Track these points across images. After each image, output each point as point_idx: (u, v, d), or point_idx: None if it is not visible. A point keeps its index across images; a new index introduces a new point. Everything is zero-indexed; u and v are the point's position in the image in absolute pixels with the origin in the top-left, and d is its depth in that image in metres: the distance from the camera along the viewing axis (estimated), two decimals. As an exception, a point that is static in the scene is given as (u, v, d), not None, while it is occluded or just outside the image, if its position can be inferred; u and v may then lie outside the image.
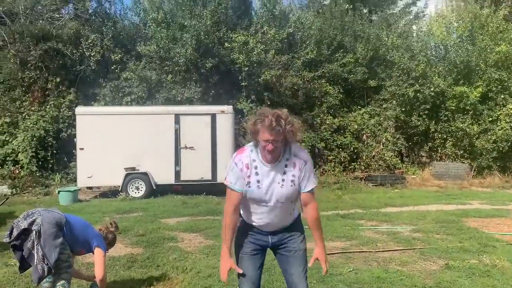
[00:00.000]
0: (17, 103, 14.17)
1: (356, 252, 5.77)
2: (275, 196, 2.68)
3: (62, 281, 3.59)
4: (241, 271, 2.77)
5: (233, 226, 2.77)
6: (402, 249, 5.94)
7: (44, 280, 3.66)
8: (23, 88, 14.28)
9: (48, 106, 13.88)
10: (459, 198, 11.18)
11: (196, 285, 4.36)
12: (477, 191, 13.11)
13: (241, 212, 2.85)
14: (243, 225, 2.84)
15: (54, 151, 13.58)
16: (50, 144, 13.48)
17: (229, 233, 2.77)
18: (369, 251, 5.80)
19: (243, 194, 2.70)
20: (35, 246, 3.45)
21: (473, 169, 15.76)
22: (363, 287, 4.36)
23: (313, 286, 4.36)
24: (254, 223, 2.80)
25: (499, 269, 4.93)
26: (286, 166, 2.68)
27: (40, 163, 13.31)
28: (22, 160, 13.09)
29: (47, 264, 3.43)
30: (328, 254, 5.52)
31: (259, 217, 2.77)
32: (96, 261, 3.87)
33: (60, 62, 14.26)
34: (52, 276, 3.63)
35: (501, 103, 16.24)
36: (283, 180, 2.67)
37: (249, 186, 2.67)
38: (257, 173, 2.67)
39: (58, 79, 14.19)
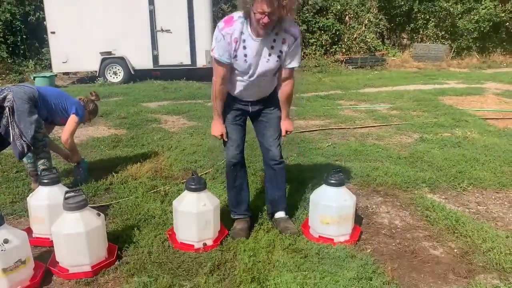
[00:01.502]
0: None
1: (335, 128, 5.96)
2: (260, 69, 2.65)
3: (42, 160, 3.60)
4: (226, 139, 2.89)
5: (222, 97, 2.78)
6: (379, 125, 6.15)
7: (26, 162, 3.72)
8: (-21, -34, 13.04)
9: (10, -14, 12.85)
10: (436, 79, 11.36)
11: (182, 161, 4.50)
12: (454, 72, 13.30)
13: None
14: (227, 97, 2.85)
15: (24, 36, 12.93)
16: (18, 28, 12.76)
17: (219, 104, 2.81)
18: (347, 128, 6.00)
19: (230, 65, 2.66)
20: (10, 123, 3.39)
21: (452, 50, 15.78)
22: (341, 159, 4.58)
23: (293, 159, 4.55)
24: (236, 94, 2.83)
25: (469, 141, 5.21)
26: (274, 41, 2.59)
27: (10, 49, 12.72)
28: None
29: (25, 141, 3.43)
30: (307, 131, 5.75)
31: (241, 88, 2.78)
32: (66, 124, 3.80)
33: None
34: (31, 157, 3.67)
35: (488, -20, 15.75)
36: (269, 55, 2.61)
37: (236, 59, 2.61)
38: (244, 47, 2.58)
39: (18, -45, 12.94)
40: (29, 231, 2.89)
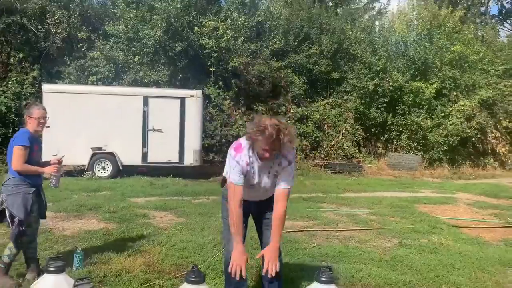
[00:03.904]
0: (-24, 77, 13.76)
1: (319, 230, 6.25)
2: (263, 183, 3.11)
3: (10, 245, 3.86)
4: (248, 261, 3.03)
5: (241, 220, 3.01)
6: (361, 229, 6.46)
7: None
8: (-17, 62, 13.86)
9: (10, 82, 13.53)
10: (411, 187, 11.96)
11: (173, 256, 4.65)
12: (428, 181, 14.02)
13: None
14: None
15: (16, 128, 13.29)
16: (11, 121, 13.18)
17: (239, 226, 2.99)
18: (331, 230, 6.29)
19: None
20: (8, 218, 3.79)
21: (425, 160, 16.73)
22: (326, 260, 4.80)
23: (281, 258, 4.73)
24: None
25: (445, 247, 5.53)
26: (273, 163, 3.03)
27: (0, 140, 13.01)
28: (-17, 136, 12.76)
29: (22, 226, 3.76)
30: (293, 231, 6.00)
31: (247, 194, 3.12)
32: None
33: (24, 37, 13.94)
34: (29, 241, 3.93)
35: (453, 99, 17.28)
36: (269, 172, 3.07)
37: (246, 177, 3.04)
38: (252, 167, 3.03)
39: (21, 55, 13.85)
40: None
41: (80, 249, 4.29)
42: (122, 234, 5.56)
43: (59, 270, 3.04)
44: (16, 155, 3.73)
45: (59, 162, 4.05)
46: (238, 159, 2.98)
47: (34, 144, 3.86)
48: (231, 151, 3.04)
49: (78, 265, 4.14)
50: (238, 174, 2.98)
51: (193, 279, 2.95)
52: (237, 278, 2.89)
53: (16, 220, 3.73)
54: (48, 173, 3.96)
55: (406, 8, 22.04)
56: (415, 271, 4.52)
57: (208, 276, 4.11)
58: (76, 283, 2.70)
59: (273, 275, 2.94)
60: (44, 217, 4.18)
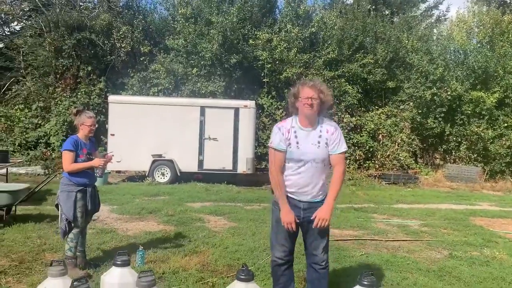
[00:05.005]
0: (50, 89, 15.03)
1: (368, 239, 6.32)
2: (312, 155, 3.18)
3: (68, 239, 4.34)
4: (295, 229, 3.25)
5: (283, 183, 3.23)
6: (411, 240, 6.46)
7: (67, 247, 4.37)
8: (57, 75, 15.09)
9: (79, 93, 14.67)
10: (469, 199, 11.58)
11: (225, 258, 4.97)
12: (488, 194, 13.47)
13: None
14: None
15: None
16: (81, 129, 14.25)
17: (281, 190, 3.21)
18: (380, 240, 6.34)
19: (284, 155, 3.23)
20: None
21: (485, 172, 16.07)
22: (373, 268, 4.89)
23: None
24: (291, 191, 3.26)
25: (498, 261, 5.43)
26: (321, 131, 3.23)
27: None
28: (53, 143, 13.90)
29: (67, 220, 4.26)
30: (342, 240, 6.13)
31: (296, 181, 3.23)
32: None
33: (92, 51, 15.05)
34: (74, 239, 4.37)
35: (517, 109, 16.50)
36: (318, 142, 3.20)
37: (290, 147, 3.20)
38: (296, 136, 3.21)
39: (89, 68, 14.98)
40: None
41: (142, 247, 4.71)
42: (179, 236, 5.97)
43: (125, 264, 3.42)
44: (64, 159, 4.34)
45: (109, 157, 4.58)
46: (280, 126, 3.27)
47: (82, 148, 4.39)
48: (277, 124, 3.36)
49: (140, 262, 4.55)
50: (279, 139, 3.22)
51: (243, 277, 3.23)
52: (290, 230, 3.20)
53: (62, 215, 4.29)
54: (97, 165, 4.44)
55: (466, 15, 21.32)
56: (463, 282, 4.52)
57: (258, 277, 4.37)
58: (140, 274, 3.04)
59: (324, 225, 3.19)
60: (91, 212, 4.63)
